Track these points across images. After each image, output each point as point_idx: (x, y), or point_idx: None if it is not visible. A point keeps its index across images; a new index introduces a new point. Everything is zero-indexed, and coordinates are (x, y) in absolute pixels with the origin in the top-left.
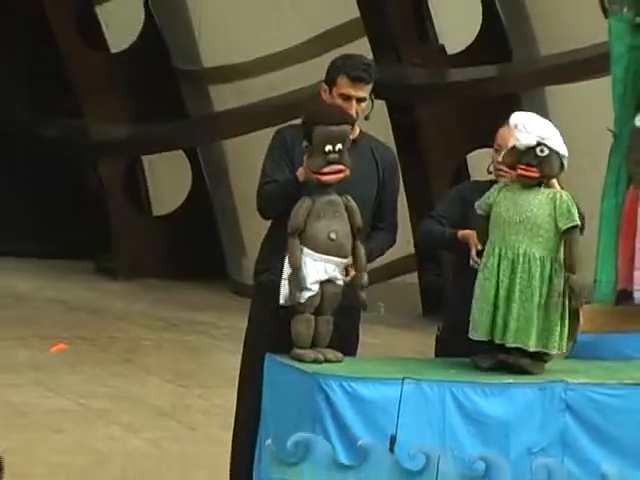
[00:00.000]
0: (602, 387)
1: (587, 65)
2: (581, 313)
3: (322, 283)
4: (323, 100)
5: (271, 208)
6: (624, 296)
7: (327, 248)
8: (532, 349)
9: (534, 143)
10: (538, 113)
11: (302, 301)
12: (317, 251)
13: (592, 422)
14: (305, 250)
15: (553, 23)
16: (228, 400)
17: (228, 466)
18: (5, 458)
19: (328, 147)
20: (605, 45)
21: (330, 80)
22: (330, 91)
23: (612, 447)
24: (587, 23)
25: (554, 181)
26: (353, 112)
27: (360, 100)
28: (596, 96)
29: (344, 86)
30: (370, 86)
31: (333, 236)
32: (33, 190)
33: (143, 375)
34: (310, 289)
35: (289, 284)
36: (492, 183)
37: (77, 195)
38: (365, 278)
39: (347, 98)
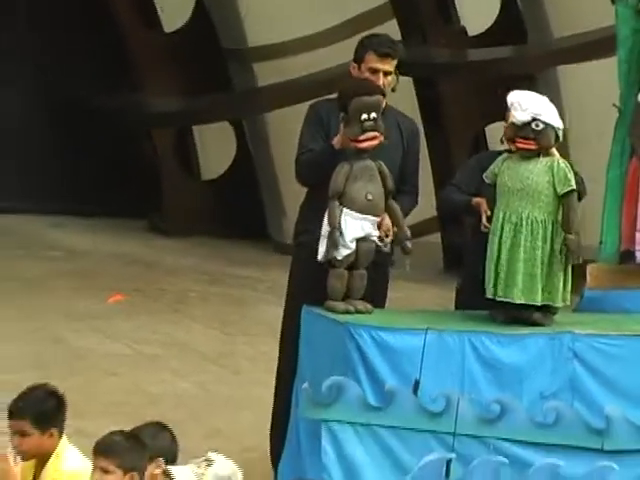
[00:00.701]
0: (606, 338)
1: (596, 47)
2: (588, 271)
3: (358, 240)
4: (353, 77)
5: (309, 175)
6: (627, 256)
7: (364, 208)
8: (540, 303)
9: (529, 119)
10: (551, 91)
11: (339, 257)
12: (355, 210)
13: (597, 369)
14: (345, 210)
15: (565, 8)
16: (271, 348)
17: (270, 407)
18: (66, 397)
19: (364, 116)
20: (612, 28)
21: (359, 57)
22: (359, 67)
23: (615, 391)
24: (596, 8)
25: (553, 150)
26: (380, 84)
27: (387, 73)
28: (603, 75)
29: (372, 61)
30: (395, 61)
31: (370, 197)
32: (95, 156)
33: (190, 324)
34: (348, 246)
35: (326, 241)
36: (506, 152)
37: (133, 161)
38: (407, 231)
39: (375, 72)
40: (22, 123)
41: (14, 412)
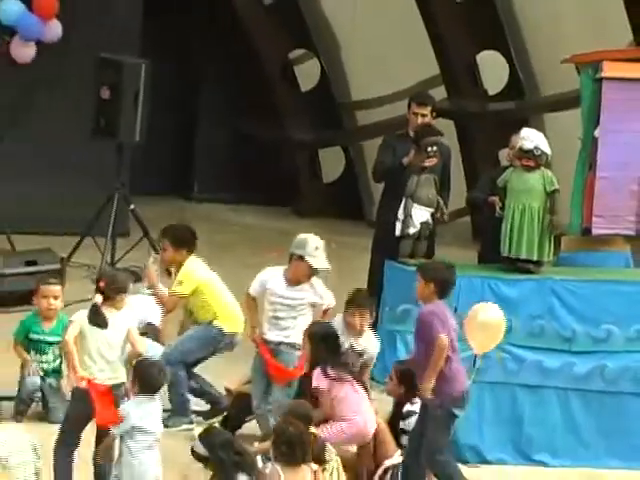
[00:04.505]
0: (573, 282)
1: (568, 102)
2: (562, 240)
3: (421, 223)
4: (408, 119)
5: (380, 177)
6: (587, 231)
7: (426, 203)
8: (535, 259)
9: (532, 147)
10: (538, 129)
11: (411, 233)
12: (421, 205)
13: (567, 301)
14: (415, 205)
15: (548, 77)
16: (365, 286)
17: None
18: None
19: (429, 148)
20: (578, 90)
21: (408, 105)
22: (408, 112)
23: (578, 315)
24: (568, 77)
25: (543, 167)
26: (419, 122)
27: (423, 115)
28: (572, 120)
29: (413, 107)
30: (429, 107)
31: (430, 196)
32: (258, 168)
33: None
34: (416, 226)
35: (402, 224)
36: (510, 167)
37: (280, 171)
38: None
39: (415, 114)
40: (219, 145)
41: (161, 232)
